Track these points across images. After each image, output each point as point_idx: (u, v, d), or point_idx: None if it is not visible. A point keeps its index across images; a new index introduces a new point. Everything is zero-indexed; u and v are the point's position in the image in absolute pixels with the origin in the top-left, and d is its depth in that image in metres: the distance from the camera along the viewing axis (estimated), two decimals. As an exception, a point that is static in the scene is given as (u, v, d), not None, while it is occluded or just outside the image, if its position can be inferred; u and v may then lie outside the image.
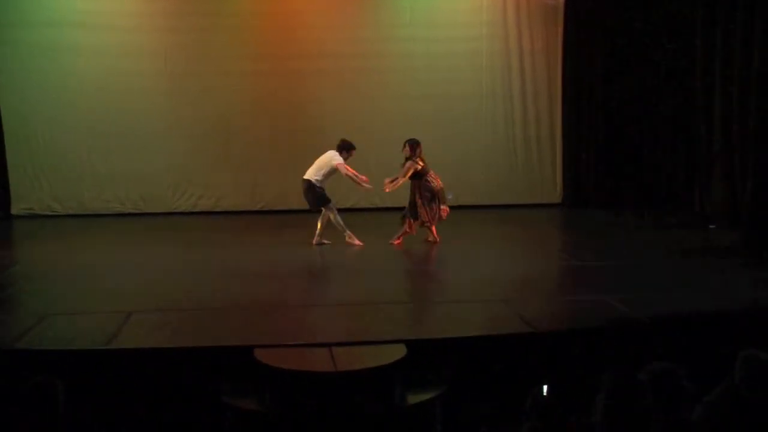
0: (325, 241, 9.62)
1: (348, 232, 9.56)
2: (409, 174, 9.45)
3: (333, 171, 9.54)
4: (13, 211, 12.20)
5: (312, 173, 9.53)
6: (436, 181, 9.52)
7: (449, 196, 9.79)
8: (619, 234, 10.29)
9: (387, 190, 9.67)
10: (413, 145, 9.50)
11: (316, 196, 9.54)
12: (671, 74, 12.05)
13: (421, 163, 9.46)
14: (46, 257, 9.16)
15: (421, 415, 5.22)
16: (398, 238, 9.62)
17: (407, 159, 9.47)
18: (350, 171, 9.52)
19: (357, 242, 9.55)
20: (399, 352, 5.40)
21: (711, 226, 10.67)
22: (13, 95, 12.01)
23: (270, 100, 12.45)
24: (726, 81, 10.34)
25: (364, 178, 9.56)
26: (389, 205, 11.66)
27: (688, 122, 11.56)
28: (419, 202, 9.47)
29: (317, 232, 9.61)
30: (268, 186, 12.48)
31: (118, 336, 5.85)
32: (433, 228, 9.59)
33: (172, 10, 12.16)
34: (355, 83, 12.48)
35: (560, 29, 12.88)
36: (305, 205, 9.84)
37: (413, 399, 5.26)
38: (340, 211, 9.68)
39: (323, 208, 9.56)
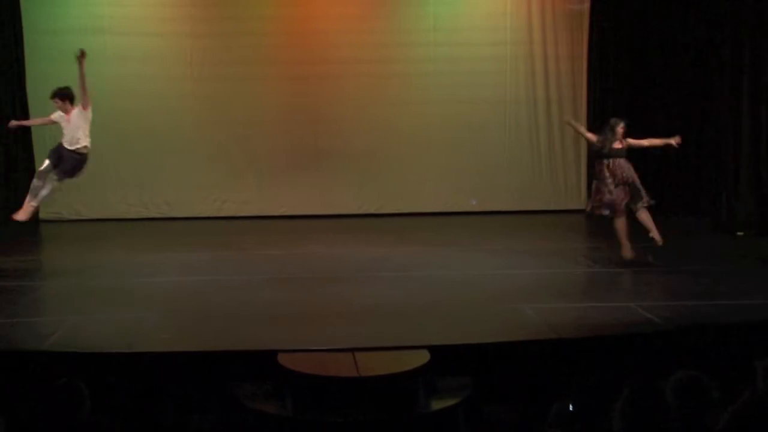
0: None
1: (33, 203, 8.35)
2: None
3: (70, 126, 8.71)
4: (41, 215, 12.31)
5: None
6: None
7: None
8: (644, 240, 10.19)
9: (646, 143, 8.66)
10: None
11: None
12: (697, 79, 11.94)
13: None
14: (71, 261, 9.23)
15: (444, 421, 5.19)
16: (655, 231, 8.70)
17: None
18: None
19: (22, 217, 8.26)
20: (422, 357, 5.39)
21: (738, 233, 10.55)
22: (41, 101, 12.09)
23: (293, 104, 12.47)
24: (755, 82, 10.22)
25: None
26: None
27: (715, 126, 11.44)
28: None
29: None
30: (292, 191, 12.48)
31: (142, 339, 5.88)
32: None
33: (196, 15, 12.23)
34: (378, 88, 12.46)
35: (585, 34, 12.78)
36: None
37: (436, 405, 5.24)
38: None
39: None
